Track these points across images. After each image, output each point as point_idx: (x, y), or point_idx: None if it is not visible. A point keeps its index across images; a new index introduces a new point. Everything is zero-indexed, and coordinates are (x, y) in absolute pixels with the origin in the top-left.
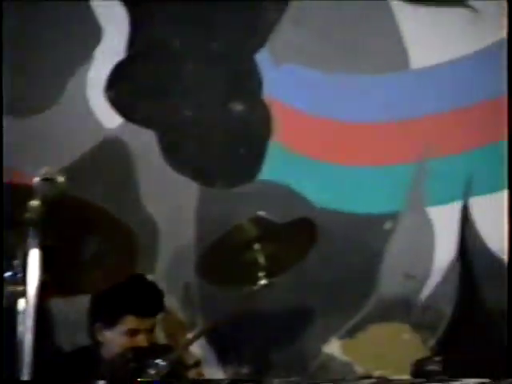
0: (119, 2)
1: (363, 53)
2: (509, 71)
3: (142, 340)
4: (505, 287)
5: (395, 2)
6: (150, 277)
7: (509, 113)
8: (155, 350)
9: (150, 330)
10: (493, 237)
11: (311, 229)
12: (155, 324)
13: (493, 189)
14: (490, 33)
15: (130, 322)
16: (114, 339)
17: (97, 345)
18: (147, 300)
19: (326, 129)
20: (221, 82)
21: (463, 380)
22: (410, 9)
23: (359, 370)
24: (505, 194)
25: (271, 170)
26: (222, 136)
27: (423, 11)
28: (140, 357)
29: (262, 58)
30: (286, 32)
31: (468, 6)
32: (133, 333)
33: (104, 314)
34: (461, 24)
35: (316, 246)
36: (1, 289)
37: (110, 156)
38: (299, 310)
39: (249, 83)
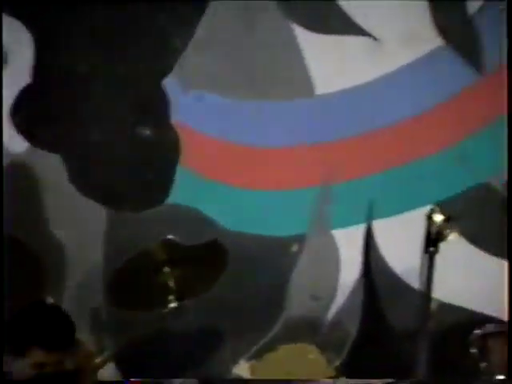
0: (23, 26)
1: (271, 79)
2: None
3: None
4: (408, 307)
5: (300, 30)
6: (57, 303)
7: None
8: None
9: (59, 363)
10: (395, 258)
11: (221, 252)
12: (64, 357)
13: (394, 212)
14: (389, 60)
15: (36, 355)
16: (22, 372)
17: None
18: (56, 332)
19: (234, 153)
20: (129, 107)
21: None
22: (314, 37)
23: None
24: (406, 215)
25: (181, 193)
26: (130, 160)
27: (327, 39)
28: None
29: (171, 83)
30: (194, 58)
31: (369, 35)
32: (39, 367)
33: (10, 344)
34: (363, 52)
35: (226, 268)
36: (1, 289)
37: (16, 181)
38: (209, 332)
39: (157, 108)
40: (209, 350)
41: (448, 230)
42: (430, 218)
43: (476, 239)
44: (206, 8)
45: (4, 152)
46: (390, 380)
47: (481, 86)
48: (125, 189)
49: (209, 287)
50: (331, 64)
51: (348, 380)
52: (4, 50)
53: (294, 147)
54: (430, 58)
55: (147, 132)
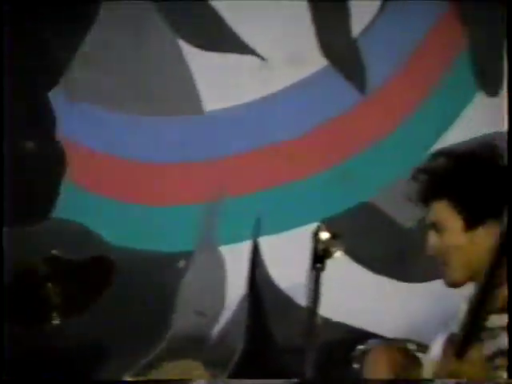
0: None
1: (158, 95)
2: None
3: None
4: (294, 323)
5: (187, 47)
6: None
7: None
8: None
9: None
10: (281, 275)
11: (107, 267)
12: None
13: (281, 229)
14: (275, 80)
15: None
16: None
17: None
18: None
19: (120, 168)
20: (14, 120)
21: None
22: (201, 54)
23: None
24: (292, 233)
25: (65, 208)
26: (14, 173)
27: (214, 56)
28: None
29: (56, 95)
30: (80, 71)
31: (257, 55)
32: None
33: None
34: (250, 71)
35: (112, 284)
36: (1, 288)
37: None
38: (93, 348)
39: (42, 121)
40: (92, 366)
41: (334, 248)
42: (316, 235)
43: (359, 257)
44: (93, 21)
45: None
46: None
47: (364, 107)
48: (7, 203)
49: (93, 302)
50: (219, 81)
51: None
52: None
53: (181, 162)
54: (315, 78)
55: (31, 145)
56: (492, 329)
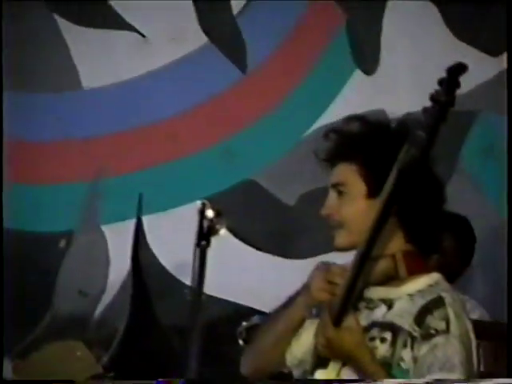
0: None
1: (35, 71)
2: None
3: None
4: (178, 302)
5: (65, 23)
6: None
7: None
8: None
9: None
10: (165, 253)
11: None
12: None
13: (164, 207)
14: (156, 58)
15: None
16: None
17: None
18: None
19: (5, 147)
20: None
21: None
22: (78, 30)
23: None
24: (175, 211)
25: None
26: None
27: (92, 32)
28: None
29: None
30: None
31: (137, 31)
32: None
33: None
34: (130, 48)
35: None
36: (1, 288)
37: None
38: None
39: None
40: None
41: (218, 225)
42: (201, 212)
43: (243, 235)
44: None
45: None
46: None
47: (246, 85)
48: None
49: None
50: (97, 58)
51: None
52: None
53: (63, 140)
54: (196, 55)
55: None
56: (371, 300)
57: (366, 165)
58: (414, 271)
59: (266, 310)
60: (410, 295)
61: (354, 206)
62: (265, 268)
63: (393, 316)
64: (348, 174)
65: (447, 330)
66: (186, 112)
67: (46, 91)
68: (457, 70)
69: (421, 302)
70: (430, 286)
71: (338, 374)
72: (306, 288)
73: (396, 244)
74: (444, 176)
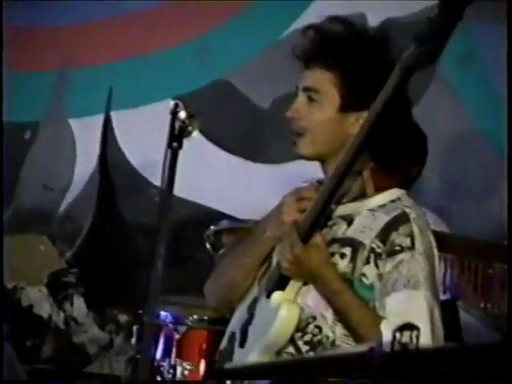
0: None
1: None
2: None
3: None
4: (145, 202)
5: None
6: None
7: None
8: None
9: None
10: (134, 151)
11: None
12: None
13: (134, 104)
14: None
15: None
16: None
17: None
18: None
19: None
20: None
21: None
22: None
23: None
24: (146, 108)
25: None
26: None
27: None
28: None
29: None
30: None
31: None
32: None
33: None
34: None
35: None
36: (1, 288)
37: None
38: None
39: None
40: None
41: (191, 127)
42: (174, 113)
43: (214, 137)
44: None
45: None
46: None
47: None
48: None
49: None
50: None
51: None
52: None
53: (32, 28)
54: None
55: None
56: (329, 217)
57: (344, 75)
58: (381, 188)
59: (235, 214)
60: (371, 210)
61: (322, 115)
62: (235, 172)
63: (353, 232)
64: (323, 81)
65: (412, 247)
66: (161, 5)
67: None
68: None
69: (384, 217)
70: (392, 201)
71: (296, 295)
72: (275, 214)
73: (361, 162)
74: (421, 83)
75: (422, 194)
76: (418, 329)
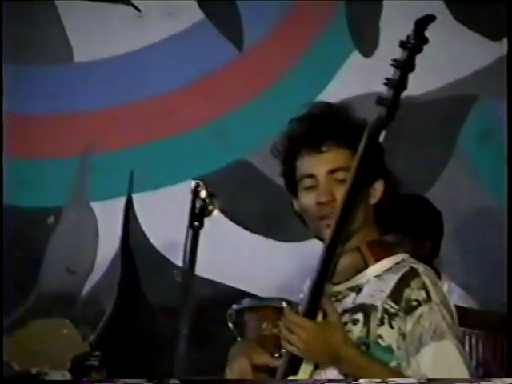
0: None
1: (26, 42)
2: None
3: None
4: (168, 283)
5: None
6: None
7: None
8: None
9: None
10: (155, 232)
11: None
12: None
13: (155, 186)
14: (151, 32)
15: None
16: None
17: None
18: None
19: None
20: None
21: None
22: (72, 2)
23: (16, 367)
24: (167, 190)
25: None
26: None
27: (85, 5)
28: None
29: None
30: None
31: (131, 5)
32: None
33: None
34: (125, 22)
35: None
36: (0, 292)
37: None
38: None
39: None
40: None
41: (211, 206)
42: (195, 192)
43: (235, 216)
44: None
45: None
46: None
47: (240, 63)
48: None
49: None
50: (92, 32)
51: None
52: None
53: (52, 114)
54: (191, 32)
55: None
56: (338, 292)
57: (355, 151)
58: (381, 258)
59: (257, 292)
60: (378, 276)
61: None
62: (256, 250)
63: (363, 298)
64: (347, 159)
65: (429, 299)
66: (180, 89)
67: (36, 64)
68: (425, 21)
69: (393, 277)
70: (397, 263)
71: (311, 376)
72: None
73: (363, 237)
74: (440, 160)
75: (447, 270)
76: None
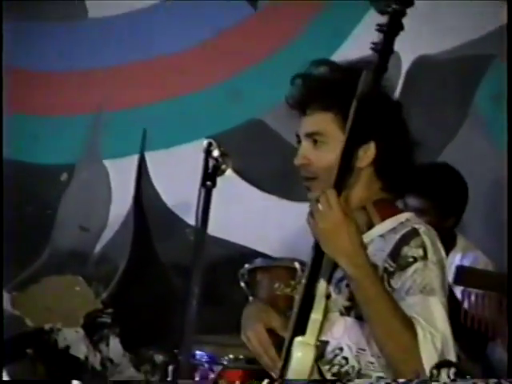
0: None
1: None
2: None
3: None
4: (180, 241)
5: None
6: None
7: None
8: None
9: None
10: (168, 191)
11: None
12: None
13: (168, 144)
14: None
15: None
16: None
17: None
18: None
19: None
20: None
21: None
22: None
23: (29, 323)
24: (179, 149)
25: None
26: None
27: None
28: None
29: None
30: None
31: None
32: None
33: None
34: None
35: None
36: (1, 292)
37: None
38: None
39: None
40: None
41: (224, 166)
42: (207, 152)
43: (248, 175)
44: None
45: None
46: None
47: (255, 21)
48: None
49: None
50: None
51: None
52: None
53: (64, 72)
54: None
55: None
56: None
57: (342, 113)
58: (387, 217)
59: (269, 252)
60: (382, 235)
61: (331, 155)
62: (269, 210)
63: None
64: (325, 123)
65: (425, 256)
66: (194, 47)
67: (49, 20)
68: None
69: (395, 237)
70: (401, 223)
71: (317, 336)
72: None
73: (370, 194)
74: (457, 120)
75: (469, 236)
76: (455, 366)
